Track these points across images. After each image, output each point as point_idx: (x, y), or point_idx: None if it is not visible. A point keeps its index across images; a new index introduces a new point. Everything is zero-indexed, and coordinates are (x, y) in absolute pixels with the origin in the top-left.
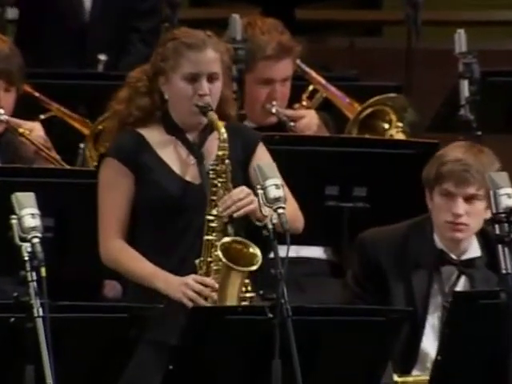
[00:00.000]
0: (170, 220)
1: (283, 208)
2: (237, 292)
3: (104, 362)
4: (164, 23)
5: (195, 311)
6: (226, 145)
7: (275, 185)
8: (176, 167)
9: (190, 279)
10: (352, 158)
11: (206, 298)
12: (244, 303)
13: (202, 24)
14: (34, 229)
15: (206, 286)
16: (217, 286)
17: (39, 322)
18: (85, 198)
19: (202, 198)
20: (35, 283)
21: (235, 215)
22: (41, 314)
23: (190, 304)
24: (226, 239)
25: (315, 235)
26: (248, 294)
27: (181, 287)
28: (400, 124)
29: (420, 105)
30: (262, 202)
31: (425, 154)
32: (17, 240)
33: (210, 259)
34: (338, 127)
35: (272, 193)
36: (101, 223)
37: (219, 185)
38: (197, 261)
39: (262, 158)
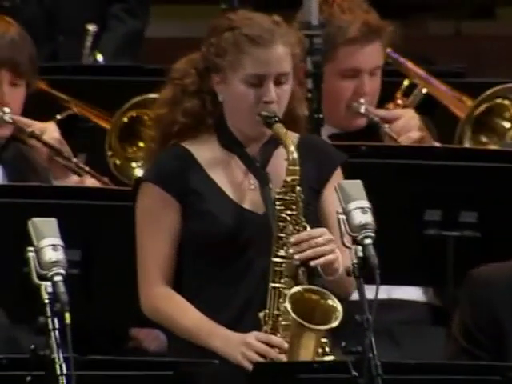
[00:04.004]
0: (227, 260)
1: (371, 237)
2: (311, 355)
3: None
4: (220, 4)
5: (259, 368)
6: (297, 168)
7: (361, 208)
8: (232, 192)
9: (252, 337)
10: (458, 174)
11: None
12: None
13: (268, 5)
14: (55, 264)
15: (271, 345)
16: (286, 345)
17: (63, 381)
18: (119, 225)
19: (267, 230)
20: (57, 332)
21: (312, 264)
22: (64, 371)
23: (251, 369)
24: (297, 289)
25: (412, 272)
26: (326, 358)
27: (240, 347)
28: None
29: None
30: (344, 230)
31: None
32: (34, 278)
33: (276, 312)
34: (443, 132)
35: (357, 218)
36: (140, 266)
37: (288, 218)
38: (261, 314)
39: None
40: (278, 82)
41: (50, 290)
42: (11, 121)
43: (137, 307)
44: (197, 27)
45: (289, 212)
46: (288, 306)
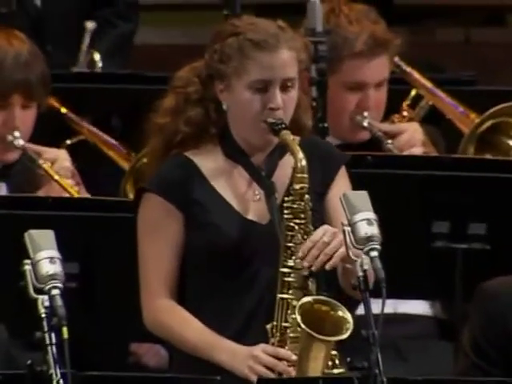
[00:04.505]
0: (231, 272)
1: (377, 250)
2: (321, 368)
3: None
4: (222, 10)
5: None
6: (306, 175)
7: (367, 220)
8: (236, 203)
9: (259, 350)
10: (467, 184)
11: (279, 375)
12: None
13: (271, 11)
14: (53, 277)
15: (279, 358)
16: (294, 357)
17: None
18: (119, 236)
19: (272, 241)
20: (55, 347)
21: (327, 267)
22: None
23: None
24: (306, 299)
25: (419, 286)
26: (336, 370)
27: (247, 360)
28: None
29: None
30: (349, 242)
31: None
32: (31, 292)
33: (285, 324)
34: (448, 145)
35: (363, 230)
36: (142, 277)
37: (296, 227)
38: (268, 326)
39: (340, 190)
40: (284, 88)
41: (46, 303)
42: (21, 147)
43: (137, 322)
44: (198, 34)
45: (297, 221)
46: (297, 317)
